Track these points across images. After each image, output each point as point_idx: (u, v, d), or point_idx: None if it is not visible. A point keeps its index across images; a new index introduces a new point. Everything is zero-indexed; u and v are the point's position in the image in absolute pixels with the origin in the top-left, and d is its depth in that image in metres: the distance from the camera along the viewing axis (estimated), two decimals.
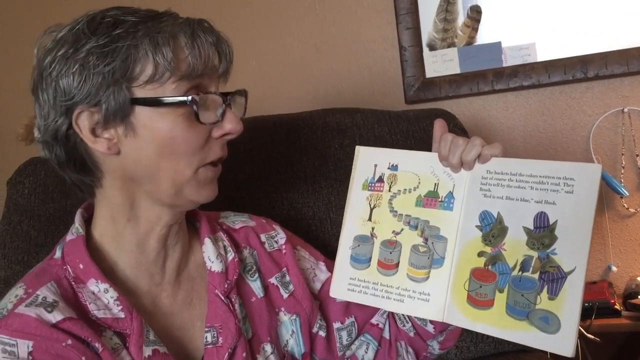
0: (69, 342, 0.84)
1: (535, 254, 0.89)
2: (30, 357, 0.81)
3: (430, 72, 1.95)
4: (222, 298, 1.01)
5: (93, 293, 0.91)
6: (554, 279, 0.87)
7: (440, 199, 0.99)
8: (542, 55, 1.87)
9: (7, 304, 0.87)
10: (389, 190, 1.03)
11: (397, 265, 1.01)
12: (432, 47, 1.94)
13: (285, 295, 1.12)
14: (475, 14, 1.89)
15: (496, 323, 0.90)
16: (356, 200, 1.06)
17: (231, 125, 0.94)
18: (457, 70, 1.93)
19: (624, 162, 1.85)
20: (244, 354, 0.99)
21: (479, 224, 0.94)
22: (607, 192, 1.80)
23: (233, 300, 1.02)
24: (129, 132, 0.90)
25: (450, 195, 0.98)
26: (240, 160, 1.44)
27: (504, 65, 1.90)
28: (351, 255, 1.04)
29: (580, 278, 0.86)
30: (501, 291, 0.91)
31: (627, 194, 1.78)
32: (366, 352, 1.17)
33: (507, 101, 1.94)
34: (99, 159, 0.93)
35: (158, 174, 0.92)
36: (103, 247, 0.97)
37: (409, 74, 1.95)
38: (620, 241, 1.88)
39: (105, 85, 0.87)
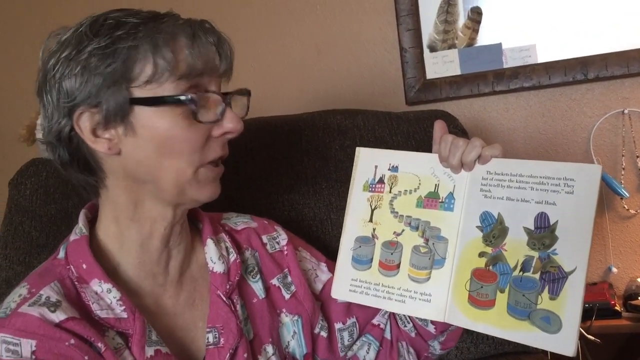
0: (72, 341, 0.84)
1: (536, 254, 0.90)
2: (34, 357, 0.82)
3: (431, 73, 1.95)
4: (224, 299, 1.01)
5: (96, 293, 0.91)
6: (554, 279, 0.87)
7: (440, 200, 0.99)
8: (543, 57, 1.87)
9: (10, 304, 0.87)
10: (390, 192, 1.04)
11: (398, 266, 1.01)
12: (432, 49, 1.94)
13: (287, 296, 1.12)
14: (475, 15, 1.90)
15: (497, 323, 0.91)
16: (357, 201, 1.06)
17: (231, 124, 0.94)
18: (458, 72, 1.94)
19: (624, 164, 1.85)
20: (245, 355, 1.00)
21: (479, 224, 0.95)
22: (608, 193, 1.81)
23: (235, 301, 1.03)
24: (129, 132, 0.90)
25: (451, 196, 0.98)
26: (241, 161, 1.44)
27: (505, 66, 1.90)
28: (352, 256, 1.05)
29: (581, 278, 0.86)
30: (502, 291, 0.91)
31: (628, 195, 1.78)
32: (367, 353, 1.17)
33: (508, 102, 1.95)
34: (101, 159, 0.94)
35: (159, 174, 0.92)
36: (106, 248, 0.98)
37: (409, 75, 1.95)
38: (620, 242, 1.89)
39: (105, 86, 0.88)
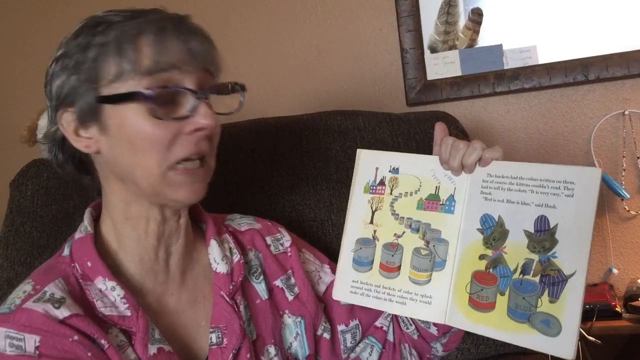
0: (76, 337, 0.85)
1: (536, 257, 0.90)
2: (37, 352, 0.82)
3: (432, 74, 1.95)
4: (227, 299, 1.01)
5: (100, 291, 0.92)
6: (554, 282, 0.87)
7: (441, 202, 1.00)
8: (543, 58, 1.87)
9: (15, 300, 0.88)
10: (391, 193, 1.04)
11: (399, 268, 1.01)
12: (433, 50, 1.94)
13: (291, 298, 1.12)
14: (476, 16, 1.90)
15: (498, 325, 0.91)
16: (358, 203, 1.06)
17: (201, 120, 0.90)
18: (459, 73, 1.94)
19: (624, 165, 1.85)
20: (248, 355, 1.00)
21: (480, 227, 0.95)
22: (608, 194, 1.81)
23: (238, 301, 1.03)
24: (103, 131, 0.91)
25: (452, 198, 0.99)
26: (242, 162, 1.45)
27: (505, 67, 1.90)
28: (353, 258, 1.05)
29: (581, 281, 0.86)
30: (502, 294, 0.91)
31: (628, 196, 1.78)
32: (370, 355, 1.17)
33: (508, 103, 1.95)
34: (93, 159, 0.97)
35: (134, 172, 0.91)
36: (109, 246, 0.99)
37: (410, 76, 1.95)
38: (621, 243, 1.89)
39: (78, 85, 0.90)
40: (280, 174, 1.44)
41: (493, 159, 0.95)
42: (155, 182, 0.91)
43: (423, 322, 1.11)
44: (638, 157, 1.84)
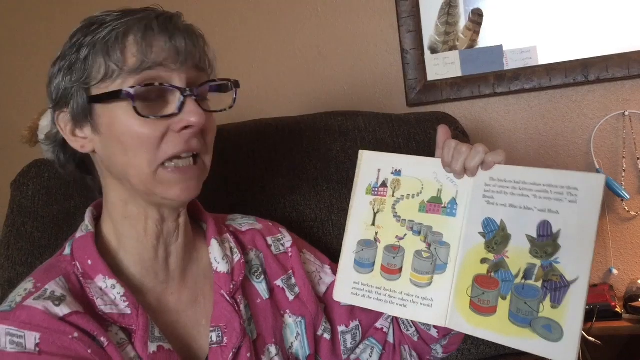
0: (76, 334, 0.85)
1: (538, 262, 0.90)
2: (37, 349, 0.83)
3: (432, 75, 1.95)
4: (228, 298, 1.02)
5: (100, 289, 0.93)
6: (556, 287, 0.87)
7: (443, 205, 0.99)
8: (544, 59, 1.87)
9: (16, 297, 0.89)
10: (393, 196, 1.04)
11: (400, 270, 1.01)
12: (433, 50, 1.94)
13: (291, 298, 1.12)
14: (476, 17, 1.90)
15: (498, 329, 0.91)
16: (360, 204, 1.06)
17: (191, 117, 0.90)
18: (459, 73, 1.94)
19: (624, 165, 1.86)
20: (249, 355, 1.00)
21: (482, 230, 0.95)
22: (608, 195, 1.81)
23: (238, 300, 1.03)
24: (96, 130, 0.93)
25: (454, 201, 0.99)
26: (242, 163, 1.45)
27: (506, 68, 1.90)
28: (355, 259, 1.05)
29: (583, 287, 0.86)
30: (504, 298, 0.91)
31: (628, 197, 1.79)
32: (370, 356, 1.17)
33: (509, 104, 1.95)
34: (91, 158, 0.99)
35: (127, 171, 0.92)
36: (110, 245, 0.99)
37: (410, 76, 1.95)
38: (621, 244, 1.89)
39: (70, 86, 0.91)
40: (281, 175, 1.44)
41: (496, 163, 0.95)
42: (147, 180, 0.91)
43: (423, 324, 1.11)
44: (638, 158, 1.84)
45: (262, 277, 1.11)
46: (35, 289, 0.89)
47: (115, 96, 0.88)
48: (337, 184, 1.44)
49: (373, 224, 1.05)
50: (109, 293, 0.92)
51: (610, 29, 1.82)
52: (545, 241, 0.90)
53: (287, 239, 1.18)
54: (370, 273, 1.03)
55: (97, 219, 1.03)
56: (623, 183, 1.84)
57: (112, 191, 0.98)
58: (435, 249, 0.99)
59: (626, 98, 1.86)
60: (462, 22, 1.91)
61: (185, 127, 0.91)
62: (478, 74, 1.92)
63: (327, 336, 1.14)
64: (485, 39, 1.91)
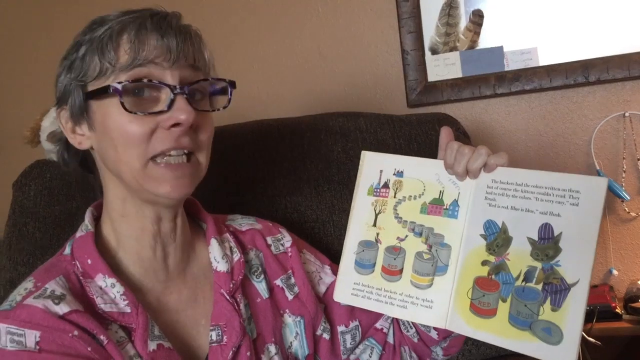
0: (76, 333, 0.85)
1: (539, 265, 0.90)
2: (38, 347, 0.83)
3: (433, 76, 1.95)
4: (227, 297, 1.02)
5: (100, 288, 0.93)
6: (557, 290, 0.87)
7: (445, 207, 0.99)
8: (544, 60, 1.88)
9: (16, 296, 0.89)
10: (394, 197, 1.04)
11: (401, 271, 1.01)
12: (434, 51, 1.95)
13: (290, 297, 1.13)
14: (477, 18, 1.90)
15: (498, 332, 0.91)
16: (361, 205, 1.06)
17: (178, 114, 0.90)
18: (459, 74, 1.94)
19: (625, 166, 1.86)
20: (248, 353, 1.00)
21: (483, 232, 0.95)
22: (609, 196, 1.80)
23: (238, 300, 1.03)
24: (91, 126, 0.94)
25: (455, 203, 0.99)
26: (243, 163, 1.45)
27: (506, 69, 1.91)
28: (355, 260, 1.05)
29: (584, 291, 0.86)
30: (504, 301, 0.91)
31: (629, 197, 1.79)
32: (370, 357, 1.17)
33: (509, 105, 1.95)
34: (92, 156, 1.00)
35: (119, 167, 0.93)
36: (109, 244, 1.00)
37: (411, 77, 1.96)
38: (621, 245, 1.89)
39: (69, 83, 0.93)
40: (282, 175, 1.44)
41: (498, 165, 0.95)
42: (138, 175, 0.92)
43: (423, 325, 1.11)
44: (638, 159, 1.84)
45: (262, 276, 1.11)
46: (35, 288, 0.89)
47: (104, 91, 0.89)
48: (338, 184, 1.44)
49: (374, 224, 1.05)
50: (109, 292, 0.93)
51: (611, 30, 1.83)
52: (547, 244, 0.89)
53: (286, 239, 1.18)
54: (370, 274, 1.03)
55: (97, 220, 1.03)
56: (623, 184, 1.85)
57: (110, 189, 0.99)
58: (436, 250, 0.99)
59: (626, 99, 1.86)
60: (463, 23, 1.92)
61: (175, 125, 0.91)
62: (478, 74, 1.93)
63: (326, 336, 1.14)
64: (486, 40, 1.91)
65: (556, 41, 1.86)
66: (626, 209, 1.86)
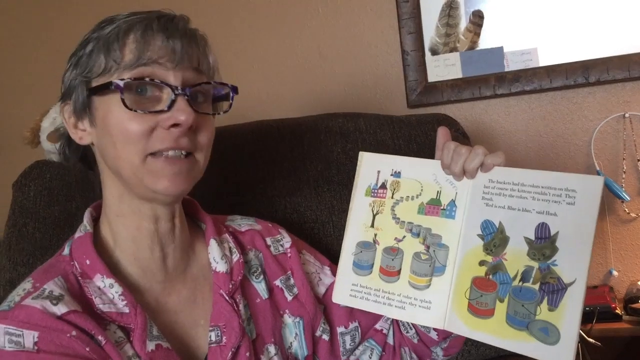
0: (74, 333, 0.85)
1: (536, 264, 0.90)
2: (36, 347, 0.83)
3: (433, 76, 1.96)
4: (227, 298, 1.02)
5: (99, 288, 0.93)
6: (554, 290, 0.87)
7: (442, 207, 0.99)
8: (544, 60, 1.88)
9: (14, 297, 0.89)
10: (392, 197, 1.04)
11: (399, 272, 1.01)
12: (434, 52, 1.95)
13: (290, 298, 1.13)
14: (477, 19, 1.90)
15: (496, 332, 0.91)
16: (359, 206, 1.06)
17: (177, 115, 0.91)
18: (459, 75, 1.94)
19: (625, 167, 1.86)
20: (248, 354, 1.00)
21: (480, 232, 0.95)
22: (609, 196, 1.81)
23: (237, 300, 1.03)
24: (92, 122, 0.95)
25: (453, 203, 0.99)
26: (243, 164, 1.45)
27: (506, 70, 1.91)
28: (354, 261, 1.05)
29: (581, 290, 0.86)
30: (502, 301, 0.91)
31: (629, 198, 1.79)
32: (370, 358, 1.17)
33: (509, 106, 1.95)
34: (92, 152, 1.00)
35: (117, 164, 0.94)
36: (107, 244, 1.00)
37: (411, 78, 1.96)
38: (621, 246, 1.89)
39: (75, 78, 0.94)
40: (282, 176, 1.44)
41: (495, 165, 0.95)
42: (137, 171, 0.92)
43: (423, 326, 1.11)
44: (638, 160, 1.84)
45: (262, 277, 1.11)
46: (33, 289, 0.89)
47: (106, 87, 0.90)
48: (338, 185, 1.44)
49: (372, 225, 1.05)
50: (107, 292, 0.93)
51: (611, 31, 1.83)
52: (543, 243, 0.90)
53: (286, 240, 1.18)
54: (368, 275, 1.03)
55: (96, 220, 1.03)
56: (623, 185, 1.84)
57: (107, 187, 0.99)
58: (434, 251, 0.99)
59: (626, 100, 1.86)
60: (463, 23, 1.92)
61: (174, 125, 0.92)
62: (478, 75, 1.93)
63: (325, 337, 1.14)
64: (486, 41, 1.91)
65: (556, 42, 1.86)
66: (626, 209, 1.86)
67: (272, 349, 1.06)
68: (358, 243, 1.05)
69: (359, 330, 1.18)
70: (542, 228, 0.90)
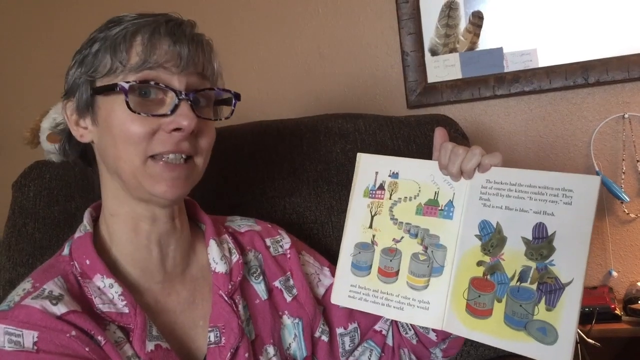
0: (73, 333, 0.86)
1: (533, 264, 0.90)
2: (35, 347, 0.83)
3: (432, 77, 1.95)
4: (226, 299, 1.02)
5: (98, 288, 0.93)
6: (551, 290, 0.87)
7: (440, 208, 1.00)
8: (544, 61, 1.88)
9: (14, 297, 0.90)
10: (390, 198, 1.04)
11: (397, 273, 1.01)
12: (434, 52, 1.95)
13: (289, 299, 1.13)
14: (477, 19, 1.90)
15: (494, 332, 0.91)
16: (357, 207, 1.06)
17: (180, 119, 0.91)
18: (459, 76, 1.94)
19: (624, 168, 1.86)
20: (247, 355, 1.00)
21: (478, 233, 0.95)
22: (608, 197, 1.81)
23: (237, 301, 1.04)
24: (94, 121, 0.96)
25: (450, 204, 0.99)
26: (243, 164, 1.45)
27: (506, 70, 1.91)
28: (352, 262, 1.05)
29: (578, 290, 0.86)
30: (499, 301, 0.91)
31: (628, 199, 1.79)
32: (369, 359, 1.17)
33: (509, 106, 1.95)
34: (92, 150, 1.01)
35: (117, 164, 0.94)
36: (106, 244, 1.00)
37: (410, 79, 1.96)
38: (620, 246, 1.89)
39: (79, 76, 0.95)
40: (281, 177, 1.45)
41: (492, 165, 0.95)
42: (137, 173, 0.93)
43: (422, 327, 1.11)
44: (638, 161, 1.84)
45: (261, 277, 1.11)
46: (33, 289, 0.90)
47: (111, 88, 0.91)
48: (337, 186, 1.44)
49: (370, 226, 1.05)
50: (107, 292, 0.93)
51: (610, 32, 1.82)
52: (541, 243, 0.90)
53: (285, 241, 1.18)
54: (367, 276, 1.04)
55: (96, 221, 1.04)
56: (623, 185, 1.84)
57: (105, 187, 1.00)
58: (432, 251, 0.99)
59: (626, 100, 1.86)
60: (463, 24, 1.92)
61: (176, 130, 0.92)
62: (478, 76, 1.93)
63: (324, 338, 1.14)
64: (486, 42, 1.91)
65: (556, 42, 1.86)
66: (625, 210, 1.86)
67: (271, 350, 1.07)
68: (356, 244, 1.05)
69: (358, 331, 1.18)
70: (539, 228, 0.90)
